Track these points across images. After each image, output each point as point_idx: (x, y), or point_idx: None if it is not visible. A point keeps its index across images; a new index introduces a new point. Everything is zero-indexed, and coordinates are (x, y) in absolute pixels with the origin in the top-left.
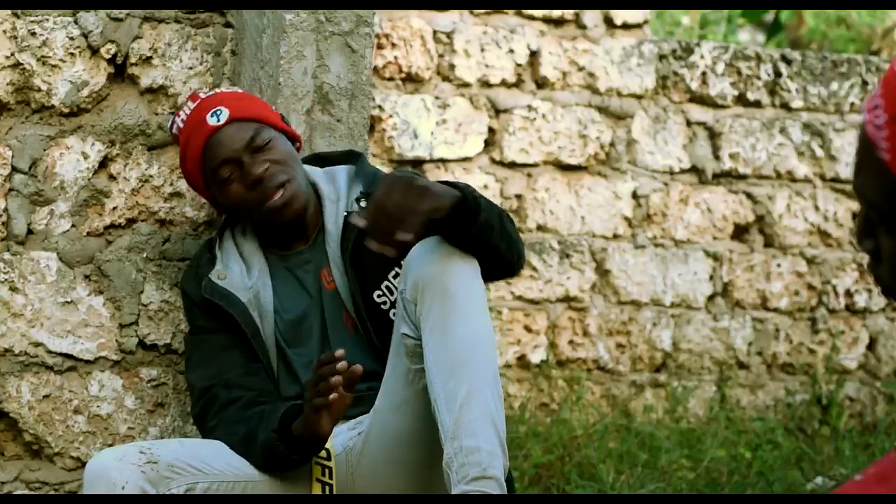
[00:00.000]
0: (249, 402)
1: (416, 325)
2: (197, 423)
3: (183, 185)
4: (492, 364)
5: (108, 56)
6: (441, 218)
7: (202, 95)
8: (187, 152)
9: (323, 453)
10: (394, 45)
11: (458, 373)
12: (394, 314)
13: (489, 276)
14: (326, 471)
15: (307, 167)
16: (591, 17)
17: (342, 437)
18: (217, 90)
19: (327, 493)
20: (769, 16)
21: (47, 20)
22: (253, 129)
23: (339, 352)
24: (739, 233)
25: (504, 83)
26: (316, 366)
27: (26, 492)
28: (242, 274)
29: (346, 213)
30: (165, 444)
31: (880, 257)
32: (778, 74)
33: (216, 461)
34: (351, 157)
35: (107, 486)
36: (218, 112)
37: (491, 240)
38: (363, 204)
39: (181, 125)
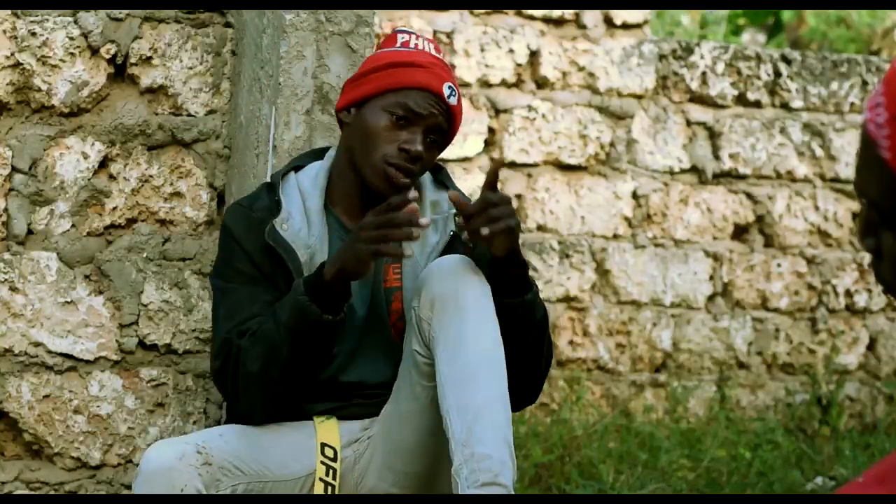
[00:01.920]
0: (256, 322)
1: (428, 343)
2: (217, 380)
3: (183, 185)
4: (503, 381)
5: (108, 56)
6: (508, 262)
7: (444, 57)
8: (405, 70)
9: (329, 452)
10: None
11: (471, 385)
12: None
13: (515, 387)
14: (331, 471)
15: None
16: (591, 17)
17: (351, 436)
18: (451, 70)
19: (329, 493)
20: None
21: (47, 20)
22: (447, 128)
23: (413, 194)
24: (739, 233)
25: (504, 83)
26: (385, 207)
27: (26, 492)
28: (303, 230)
29: (432, 218)
30: (213, 440)
31: (882, 255)
32: (778, 74)
33: (252, 461)
34: (440, 171)
35: (166, 486)
36: (453, 92)
37: (535, 325)
38: (458, 219)
39: (412, 46)
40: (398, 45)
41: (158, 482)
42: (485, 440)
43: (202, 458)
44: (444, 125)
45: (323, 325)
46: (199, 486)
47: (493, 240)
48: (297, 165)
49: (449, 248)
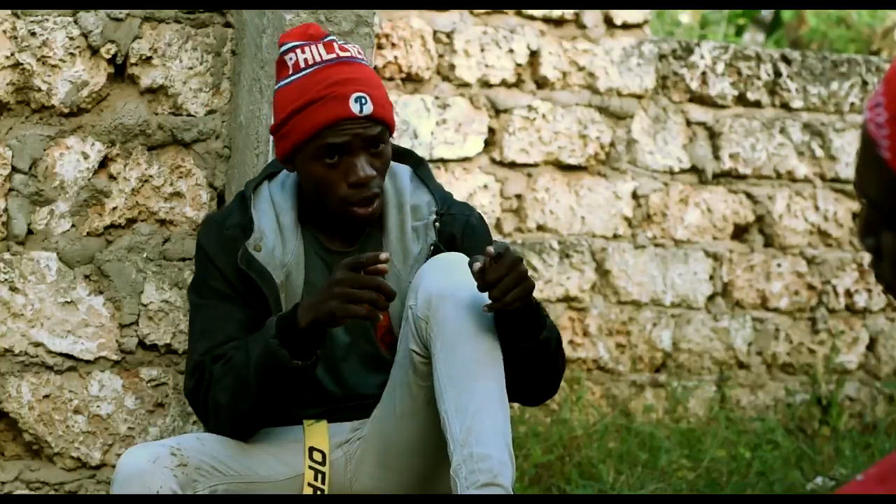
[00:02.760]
0: (231, 348)
1: (425, 342)
2: (190, 399)
3: (183, 184)
4: (501, 380)
5: (108, 56)
6: (519, 310)
7: (337, 49)
8: (309, 112)
9: (318, 456)
10: (394, 45)
11: (469, 385)
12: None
13: (530, 396)
14: (319, 475)
15: None
16: (591, 17)
17: (341, 437)
18: (352, 57)
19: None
20: (768, 13)
21: (47, 20)
22: (379, 130)
23: (384, 255)
24: (739, 233)
25: (504, 83)
26: (354, 264)
27: (26, 492)
28: (278, 248)
29: (414, 226)
30: (188, 442)
31: (882, 255)
32: (778, 74)
33: (232, 461)
34: (410, 158)
35: (141, 489)
36: (363, 101)
37: (549, 354)
38: (438, 226)
39: (303, 66)
40: (291, 72)
41: (133, 485)
42: (484, 440)
43: (177, 459)
44: (375, 132)
45: (292, 370)
46: (174, 488)
47: (511, 302)
48: (270, 173)
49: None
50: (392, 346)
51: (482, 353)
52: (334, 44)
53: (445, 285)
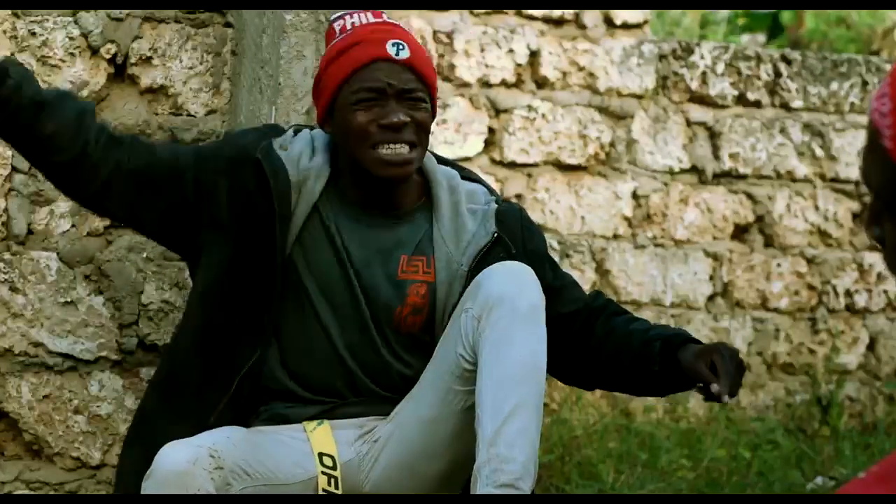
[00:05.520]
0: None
1: (474, 347)
2: None
3: None
4: (541, 389)
5: (108, 56)
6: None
7: (385, 17)
8: (344, 56)
9: (328, 461)
10: None
11: (509, 387)
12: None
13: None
14: (332, 480)
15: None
16: (591, 17)
17: (347, 437)
18: (400, 25)
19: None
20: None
21: (47, 20)
22: (416, 82)
23: None
24: (739, 233)
25: (504, 83)
26: None
27: (26, 492)
28: (304, 159)
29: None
30: (222, 442)
31: (885, 244)
32: (778, 74)
33: (256, 463)
34: (454, 167)
35: (179, 489)
36: (401, 46)
37: None
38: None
39: (349, 28)
40: (338, 35)
41: (171, 484)
42: (512, 443)
43: (215, 462)
44: (412, 82)
45: None
46: (210, 490)
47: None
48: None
49: (490, 251)
50: (413, 329)
51: (528, 358)
52: (383, 14)
53: (504, 290)
